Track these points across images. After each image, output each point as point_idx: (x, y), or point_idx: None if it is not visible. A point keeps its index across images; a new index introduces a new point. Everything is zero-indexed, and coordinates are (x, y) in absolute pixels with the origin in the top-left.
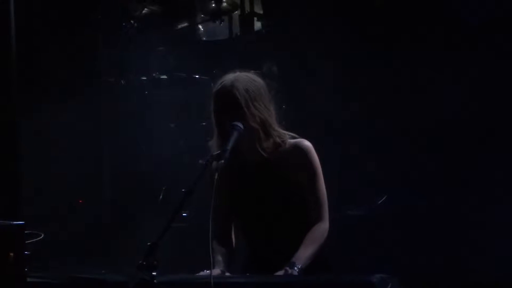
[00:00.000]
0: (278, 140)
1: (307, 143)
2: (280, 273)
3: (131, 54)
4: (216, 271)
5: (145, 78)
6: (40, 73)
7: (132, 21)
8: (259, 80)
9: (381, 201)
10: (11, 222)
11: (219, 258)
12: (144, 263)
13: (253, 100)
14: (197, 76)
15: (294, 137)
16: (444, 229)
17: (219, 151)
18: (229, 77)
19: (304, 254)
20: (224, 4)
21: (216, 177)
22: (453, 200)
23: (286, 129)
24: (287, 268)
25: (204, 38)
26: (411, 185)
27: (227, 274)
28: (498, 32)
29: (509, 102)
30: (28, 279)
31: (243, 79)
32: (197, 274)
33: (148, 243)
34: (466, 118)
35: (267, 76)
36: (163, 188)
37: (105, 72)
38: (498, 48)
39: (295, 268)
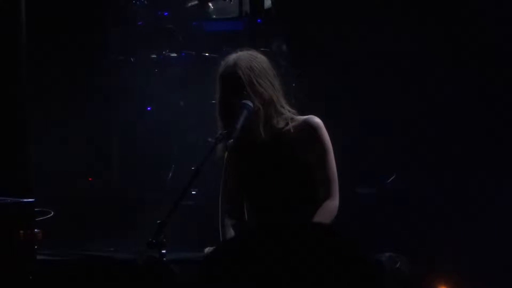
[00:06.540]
0: (286, 117)
1: (317, 120)
2: None
3: (140, 32)
4: None
5: (154, 56)
6: (48, 55)
7: None
8: (261, 56)
9: (390, 180)
10: (22, 199)
11: (231, 231)
12: (154, 241)
13: (257, 77)
14: (206, 54)
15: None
16: (453, 210)
17: (228, 130)
18: (231, 57)
19: None
20: None
21: (225, 156)
22: (462, 181)
23: (296, 107)
24: None
25: (214, 16)
26: (419, 166)
27: None
28: None
29: None
30: (38, 257)
31: (245, 57)
32: (205, 250)
33: (158, 221)
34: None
35: (277, 54)
36: (172, 166)
37: (114, 50)
38: None
39: None
